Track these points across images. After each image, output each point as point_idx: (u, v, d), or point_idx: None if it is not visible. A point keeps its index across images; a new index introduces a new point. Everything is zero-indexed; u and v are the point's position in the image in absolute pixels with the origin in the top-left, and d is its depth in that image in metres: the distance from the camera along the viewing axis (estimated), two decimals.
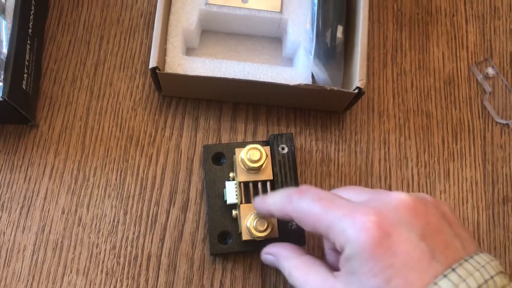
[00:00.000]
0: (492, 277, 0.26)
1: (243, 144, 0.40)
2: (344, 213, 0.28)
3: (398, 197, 0.28)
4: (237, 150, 0.39)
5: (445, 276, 0.25)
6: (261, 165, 0.39)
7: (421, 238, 0.26)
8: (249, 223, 0.37)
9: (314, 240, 0.41)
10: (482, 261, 0.26)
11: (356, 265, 0.27)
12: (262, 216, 0.37)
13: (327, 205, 0.29)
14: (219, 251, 0.39)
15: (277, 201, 0.33)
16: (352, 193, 0.31)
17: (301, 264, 0.32)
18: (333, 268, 0.31)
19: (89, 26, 0.46)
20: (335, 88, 0.39)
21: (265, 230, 0.37)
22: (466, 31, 0.48)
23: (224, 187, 0.40)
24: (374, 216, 0.27)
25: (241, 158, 0.39)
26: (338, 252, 0.30)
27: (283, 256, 0.34)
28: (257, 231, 0.37)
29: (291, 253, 0.33)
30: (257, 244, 0.38)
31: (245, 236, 0.38)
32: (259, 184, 0.39)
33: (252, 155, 0.38)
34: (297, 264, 0.32)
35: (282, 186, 0.39)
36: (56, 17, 0.46)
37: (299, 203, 0.30)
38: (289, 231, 0.38)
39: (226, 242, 0.39)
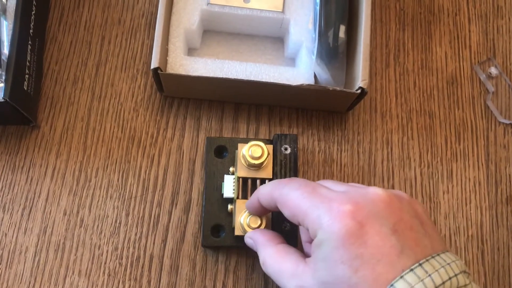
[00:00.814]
0: (455, 275, 0.26)
1: (246, 140, 0.40)
2: (322, 200, 0.29)
3: (375, 192, 0.29)
4: (239, 145, 0.39)
5: (411, 270, 0.26)
6: (262, 163, 0.39)
7: (392, 233, 0.27)
8: (243, 219, 0.37)
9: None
10: (448, 259, 0.27)
11: (326, 251, 0.28)
12: (254, 213, 0.37)
13: (308, 192, 0.30)
14: (211, 244, 0.39)
15: (266, 188, 0.34)
16: (333, 184, 0.32)
17: (275, 253, 0.33)
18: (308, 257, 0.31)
19: (90, 27, 0.46)
20: (338, 88, 0.39)
21: (257, 228, 0.37)
22: (469, 31, 0.48)
23: (223, 180, 0.39)
24: (350, 206, 0.28)
25: (242, 153, 0.39)
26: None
27: (260, 243, 0.35)
28: (249, 228, 0.37)
29: (267, 241, 0.34)
30: None
31: (237, 231, 0.38)
32: (258, 182, 0.39)
33: (253, 151, 0.38)
34: (271, 253, 0.33)
35: None
36: (57, 18, 0.46)
37: (284, 188, 0.32)
38: (281, 232, 0.38)
39: (219, 235, 0.39)
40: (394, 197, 0.29)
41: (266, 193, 0.34)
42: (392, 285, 0.26)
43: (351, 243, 0.27)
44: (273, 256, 0.33)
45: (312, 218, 0.29)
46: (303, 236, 0.36)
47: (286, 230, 0.38)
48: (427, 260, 0.26)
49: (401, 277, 0.26)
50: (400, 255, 0.26)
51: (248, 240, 0.36)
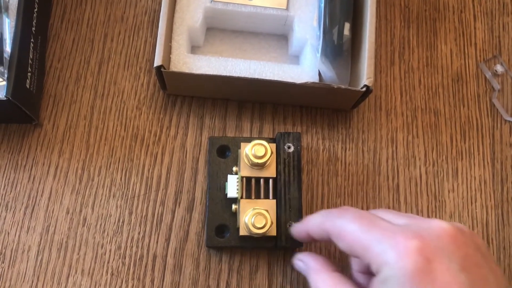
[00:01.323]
0: None
1: (249, 139, 0.39)
2: (384, 234, 0.28)
3: (440, 225, 0.28)
4: (242, 144, 0.39)
5: None
6: (265, 162, 0.38)
7: (461, 269, 0.26)
8: (247, 219, 0.37)
9: (314, 242, 0.41)
10: None
11: None
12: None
13: (367, 224, 0.29)
14: (215, 244, 0.38)
15: (316, 219, 0.33)
16: (390, 216, 0.31)
17: (329, 280, 0.32)
18: None
19: (93, 24, 0.45)
20: (343, 86, 0.39)
21: (262, 228, 0.36)
22: (475, 28, 0.48)
23: (227, 180, 0.39)
24: (417, 241, 0.27)
25: (245, 153, 0.38)
26: (368, 275, 0.30)
27: (313, 268, 0.34)
28: (254, 228, 0.36)
29: (322, 267, 0.33)
30: (254, 241, 0.38)
31: (242, 232, 0.37)
32: (262, 181, 0.39)
33: (257, 150, 0.38)
34: (325, 279, 0.32)
35: (284, 185, 0.38)
36: (60, 15, 0.45)
37: (339, 220, 0.30)
38: (287, 231, 0.37)
39: (223, 236, 0.39)
40: (458, 230, 0.28)
41: (316, 224, 0.33)
42: None
43: (419, 281, 0.26)
44: (327, 283, 0.31)
45: (375, 253, 0.28)
46: (355, 266, 0.34)
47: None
48: None
49: None
50: None
51: (298, 263, 0.35)
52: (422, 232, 0.28)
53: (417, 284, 0.26)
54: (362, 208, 0.42)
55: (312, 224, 0.33)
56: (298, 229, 0.35)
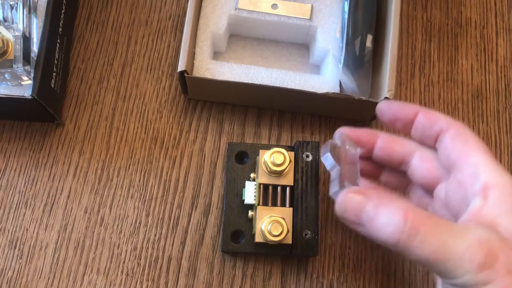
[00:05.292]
0: None
1: (268, 146, 0.40)
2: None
3: None
4: (261, 151, 0.39)
5: None
6: (284, 170, 0.38)
7: None
8: (264, 226, 0.37)
9: (329, 250, 0.41)
10: None
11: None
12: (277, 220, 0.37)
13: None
14: (230, 249, 0.39)
15: (433, 111, 0.33)
16: None
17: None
18: None
19: (117, 27, 0.46)
20: (363, 98, 0.39)
21: (278, 235, 0.37)
22: (496, 44, 0.48)
23: (244, 186, 0.39)
24: None
25: (264, 160, 0.39)
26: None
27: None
28: (270, 235, 0.37)
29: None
30: (269, 248, 0.38)
31: (258, 238, 0.38)
32: (279, 189, 0.39)
33: (276, 158, 0.38)
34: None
35: (302, 194, 0.39)
36: (85, 17, 0.46)
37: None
38: (302, 240, 0.38)
39: (238, 241, 0.39)
40: None
41: (432, 114, 0.33)
42: None
43: None
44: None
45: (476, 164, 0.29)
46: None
47: (307, 238, 0.38)
48: None
49: None
50: None
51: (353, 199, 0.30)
52: None
53: None
54: None
55: (427, 111, 0.33)
56: (399, 106, 0.34)
